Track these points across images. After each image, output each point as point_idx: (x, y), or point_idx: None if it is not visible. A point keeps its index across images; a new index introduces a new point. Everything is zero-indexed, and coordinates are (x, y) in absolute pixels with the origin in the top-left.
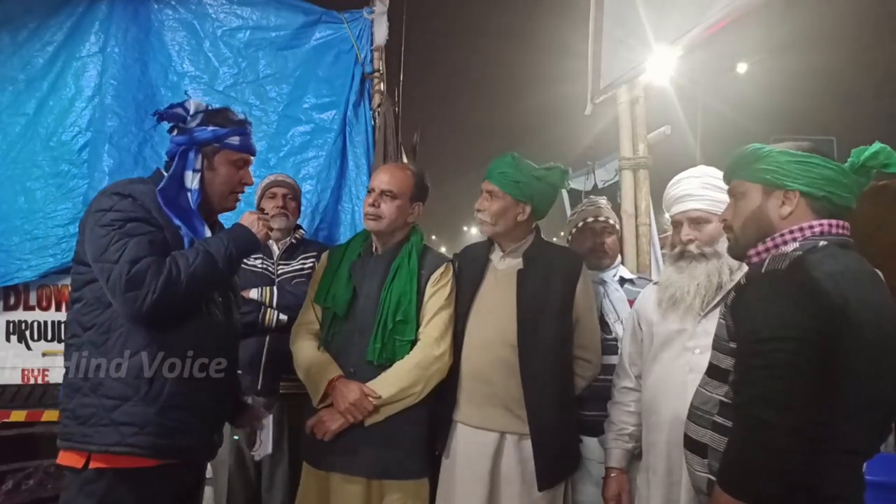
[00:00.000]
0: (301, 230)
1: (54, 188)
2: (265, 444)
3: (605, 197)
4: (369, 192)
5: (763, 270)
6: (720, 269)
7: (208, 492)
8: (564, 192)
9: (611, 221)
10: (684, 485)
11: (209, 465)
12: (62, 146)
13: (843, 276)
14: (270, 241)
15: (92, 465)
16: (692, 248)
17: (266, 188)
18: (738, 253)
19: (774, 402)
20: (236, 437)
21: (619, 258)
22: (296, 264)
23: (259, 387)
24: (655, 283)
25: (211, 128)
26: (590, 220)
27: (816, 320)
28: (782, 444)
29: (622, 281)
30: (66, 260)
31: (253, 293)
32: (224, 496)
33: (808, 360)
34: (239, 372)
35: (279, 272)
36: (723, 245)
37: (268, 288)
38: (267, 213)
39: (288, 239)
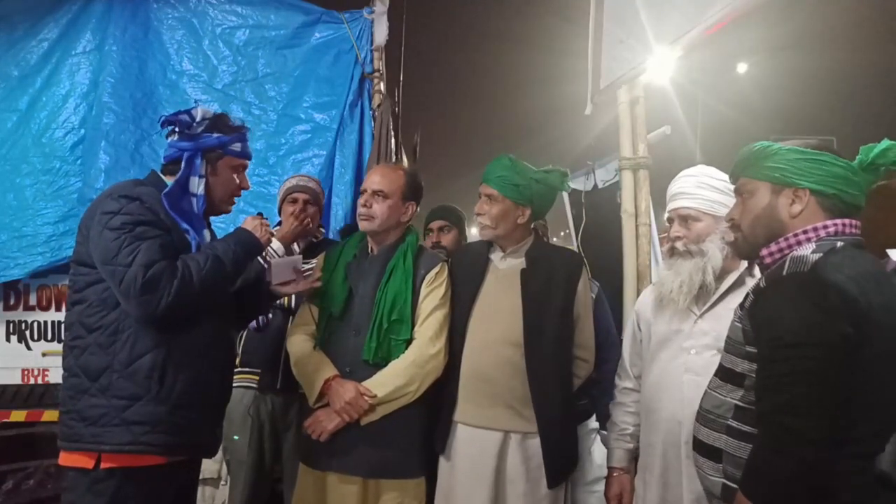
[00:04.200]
0: (321, 229)
1: (45, 185)
2: (275, 275)
3: None
4: (362, 192)
5: (784, 273)
6: (703, 269)
7: (206, 492)
8: (564, 193)
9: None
10: (686, 486)
11: (224, 465)
12: (54, 143)
13: (865, 278)
14: None
15: (103, 465)
16: (679, 245)
17: (287, 192)
18: (746, 252)
19: (802, 410)
20: (236, 437)
21: None
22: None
23: (278, 385)
24: (654, 284)
25: (216, 135)
26: None
27: (843, 325)
28: (810, 452)
29: None
30: (55, 258)
31: None
32: (244, 496)
33: (834, 366)
34: (258, 371)
35: (304, 272)
36: (709, 244)
37: None
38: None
39: (308, 238)
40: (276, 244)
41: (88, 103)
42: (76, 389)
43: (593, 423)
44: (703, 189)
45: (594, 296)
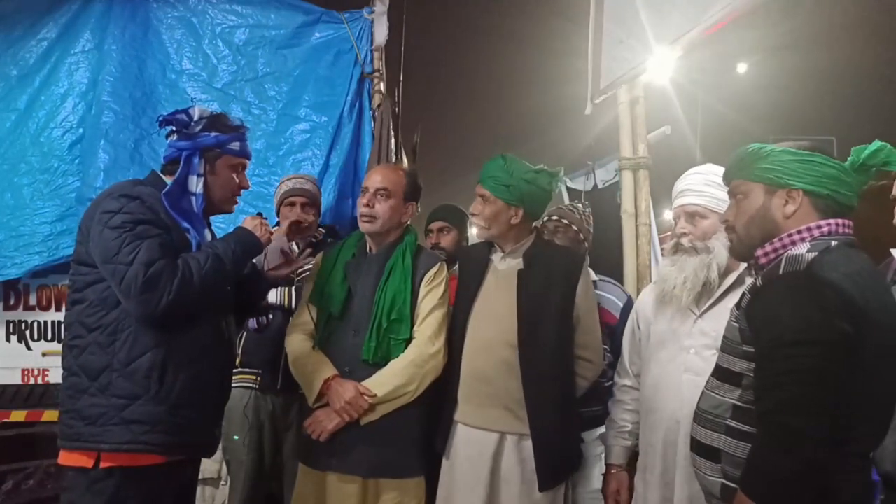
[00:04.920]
0: (321, 229)
1: (43, 185)
2: (269, 260)
3: (581, 204)
4: (363, 192)
5: (780, 272)
6: (708, 266)
7: (208, 492)
8: (565, 192)
9: (564, 221)
10: (679, 485)
11: (224, 465)
12: (52, 142)
13: (861, 276)
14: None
15: (102, 464)
16: (684, 241)
17: (285, 195)
18: (742, 253)
19: (804, 408)
20: (236, 437)
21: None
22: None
23: (278, 386)
24: (655, 281)
25: (214, 134)
26: (544, 218)
27: (841, 323)
28: (811, 451)
29: None
30: (53, 258)
31: (271, 296)
32: (244, 496)
33: (834, 364)
34: (259, 371)
35: (298, 272)
36: (715, 242)
37: (286, 289)
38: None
39: (308, 238)
40: None
41: (87, 102)
42: (76, 389)
43: None
44: (711, 187)
45: (622, 304)
